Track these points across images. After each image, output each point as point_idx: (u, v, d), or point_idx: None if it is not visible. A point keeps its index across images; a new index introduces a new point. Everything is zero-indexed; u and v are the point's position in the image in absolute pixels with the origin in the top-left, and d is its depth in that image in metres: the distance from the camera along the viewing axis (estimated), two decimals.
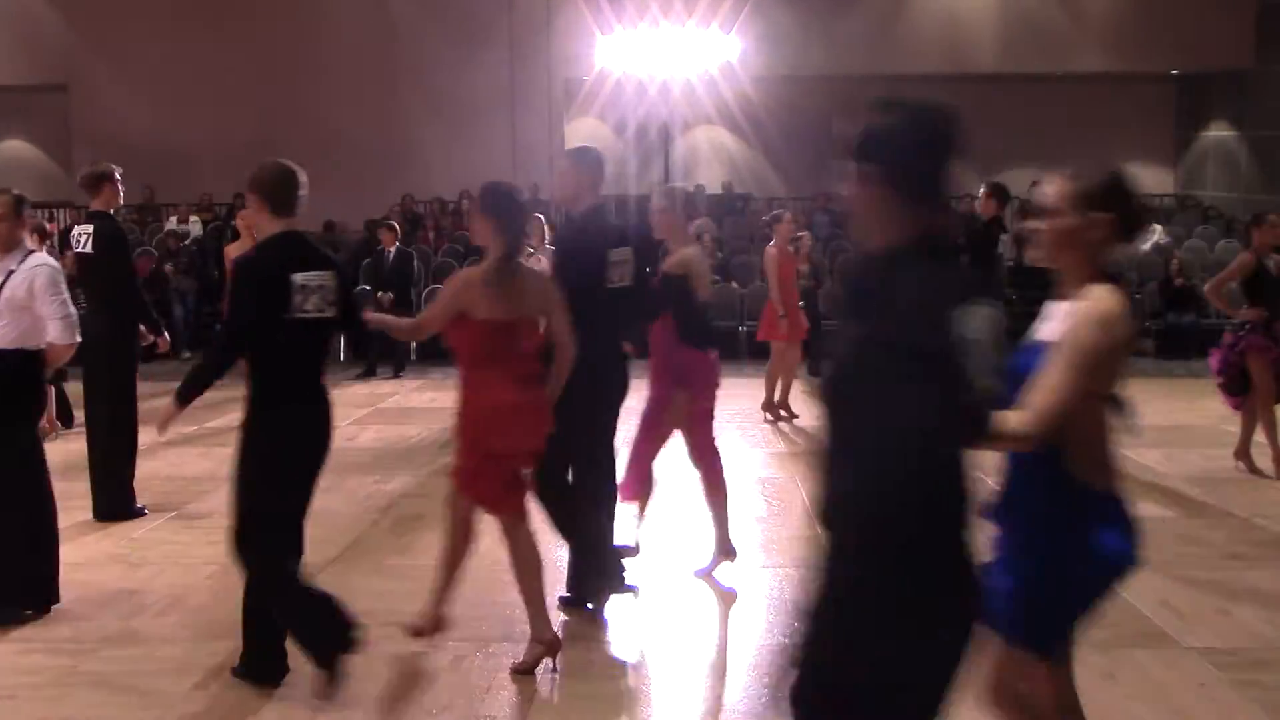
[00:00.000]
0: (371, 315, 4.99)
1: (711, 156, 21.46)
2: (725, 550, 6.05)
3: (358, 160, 17.70)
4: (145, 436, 6.99)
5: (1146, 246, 16.76)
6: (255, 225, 4.64)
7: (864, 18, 18.84)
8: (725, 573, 6.02)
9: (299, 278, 4.28)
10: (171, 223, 17.69)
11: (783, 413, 10.40)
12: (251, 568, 4.44)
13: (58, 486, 5.67)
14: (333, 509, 6.70)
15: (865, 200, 2.34)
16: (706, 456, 5.98)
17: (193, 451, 8.84)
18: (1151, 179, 20.96)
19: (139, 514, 7.10)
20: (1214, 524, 7.01)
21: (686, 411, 5.80)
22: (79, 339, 5.44)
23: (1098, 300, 2.89)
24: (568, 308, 4.76)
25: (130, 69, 18.65)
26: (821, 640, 2.36)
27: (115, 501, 7.04)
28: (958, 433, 2.25)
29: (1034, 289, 10.97)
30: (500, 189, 4.77)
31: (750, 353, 13.54)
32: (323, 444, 4.48)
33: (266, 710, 4.42)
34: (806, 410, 10.76)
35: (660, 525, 7.01)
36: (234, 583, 5.64)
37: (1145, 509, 7.24)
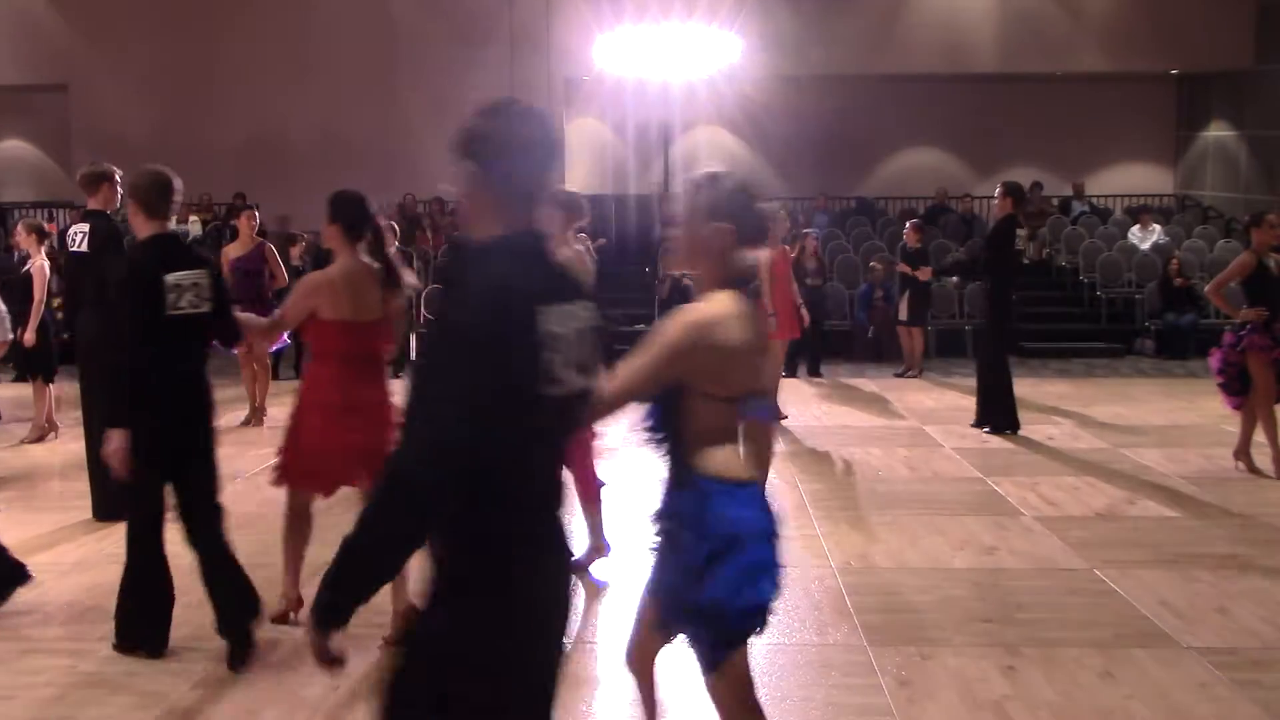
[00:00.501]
0: (239, 315, 5.19)
1: (711, 156, 21.42)
2: (598, 547, 6.15)
3: (356, 160, 17.69)
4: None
5: (1145, 245, 16.78)
6: (134, 226, 4.85)
7: (863, 18, 18.83)
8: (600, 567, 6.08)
9: (172, 277, 4.59)
10: (171, 222, 17.66)
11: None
12: (129, 540, 4.79)
13: (57, 486, 5.67)
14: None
15: (466, 196, 2.43)
16: (582, 463, 5.96)
17: None
18: (1151, 179, 20.96)
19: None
20: (1214, 524, 7.02)
21: None
22: (10, 337, 5.53)
23: (707, 304, 3.03)
24: None
25: (130, 69, 18.64)
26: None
27: (114, 501, 7.03)
28: (528, 421, 2.28)
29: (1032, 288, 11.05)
30: (347, 196, 5.02)
31: None
32: (200, 420, 4.81)
33: (267, 711, 4.42)
34: (797, 410, 10.77)
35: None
36: None
37: (1145, 508, 7.31)
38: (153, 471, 4.66)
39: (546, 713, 2.51)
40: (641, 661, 3.55)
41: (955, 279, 10.37)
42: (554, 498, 2.48)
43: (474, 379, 2.19)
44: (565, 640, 2.56)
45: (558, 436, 2.46)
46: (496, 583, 2.31)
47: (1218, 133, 20.30)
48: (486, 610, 2.31)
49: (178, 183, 4.80)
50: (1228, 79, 19.54)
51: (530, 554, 2.37)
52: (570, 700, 4.53)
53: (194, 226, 17.49)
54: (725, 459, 3.18)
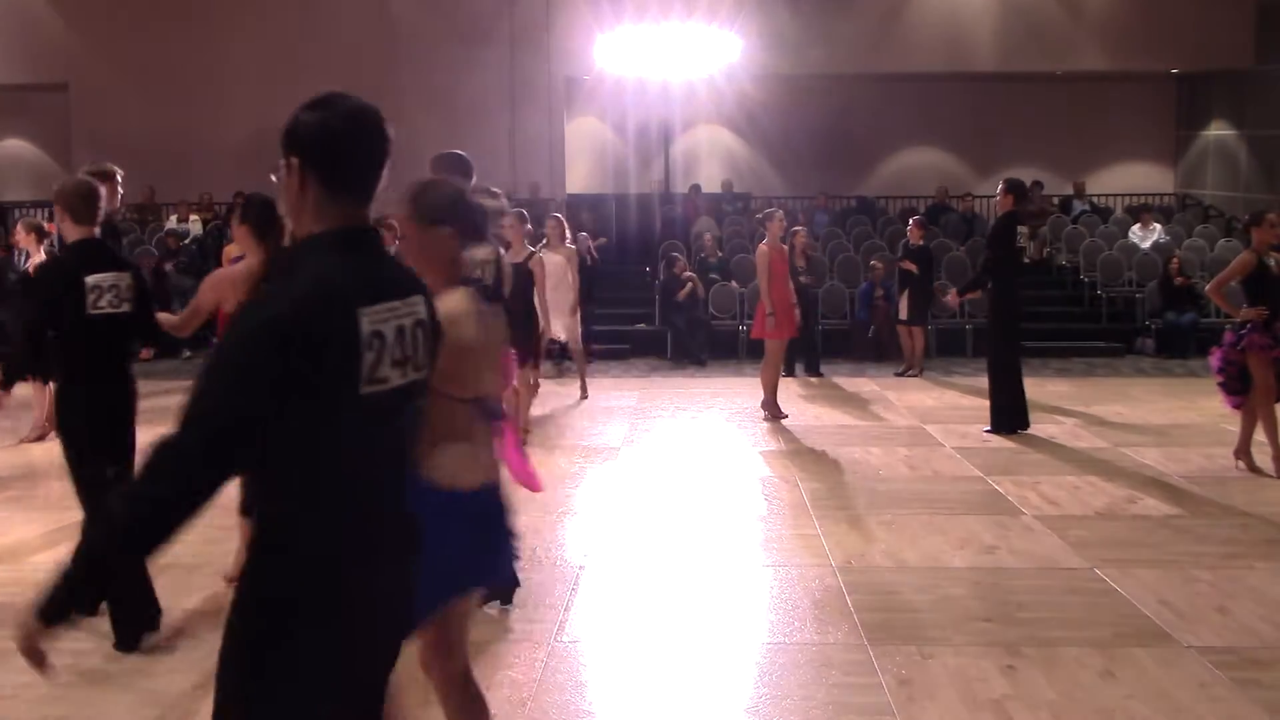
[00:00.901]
0: (160, 315, 5.47)
1: (711, 155, 21.44)
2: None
3: None
4: (140, 435, 6.97)
5: (1146, 244, 16.78)
6: (62, 231, 5.16)
7: (864, 17, 18.81)
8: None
9: (92, 279, 4.90)
10: (171, 222, 17.69)
11: (773, 412, 10.36)
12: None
13: (54, 487, 5.69)
14: None
15: (290, 190, 2.38)
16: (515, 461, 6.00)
17: None
18: (1151, 178, 20.95)
19: None
20: (1214, 522, 7.01)
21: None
22: None
23: (443, 303, 3.01)
24: None
25: (130, 68, 18.63)
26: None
27: None
28: (348, 418, 2.27)
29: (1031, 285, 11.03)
30: (258, 200, 5.39)
31: (749, 352, 13.54)
32: (122, 415, 5.08)
33: None
34: (797, 410, 10.77)
35: (657, 529, 7.03)
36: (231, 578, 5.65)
37: (1146, 507, 7.31)
38: (96, 465, 4.90)
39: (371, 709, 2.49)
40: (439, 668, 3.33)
41: (978, 291, 10.29)
42: (390, 495, 2.44)
43: (269, 368, 2.15)
44: (398, 640, 2.52)
45: (386, 432, 2.41)
46: (319, 590, 2.28)
47: (1218, 132, 20.29)
48: (309, 618, 2.28)
49: (102, 190, 5.14)
50: (1228, 78, 19.53)
51: (360, 553, 2.34)
52: (543, 702, 4.54)
53: (194, 226, 17.50)
54: (449, 464, 3.15)
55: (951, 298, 10.37)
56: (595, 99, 19.46)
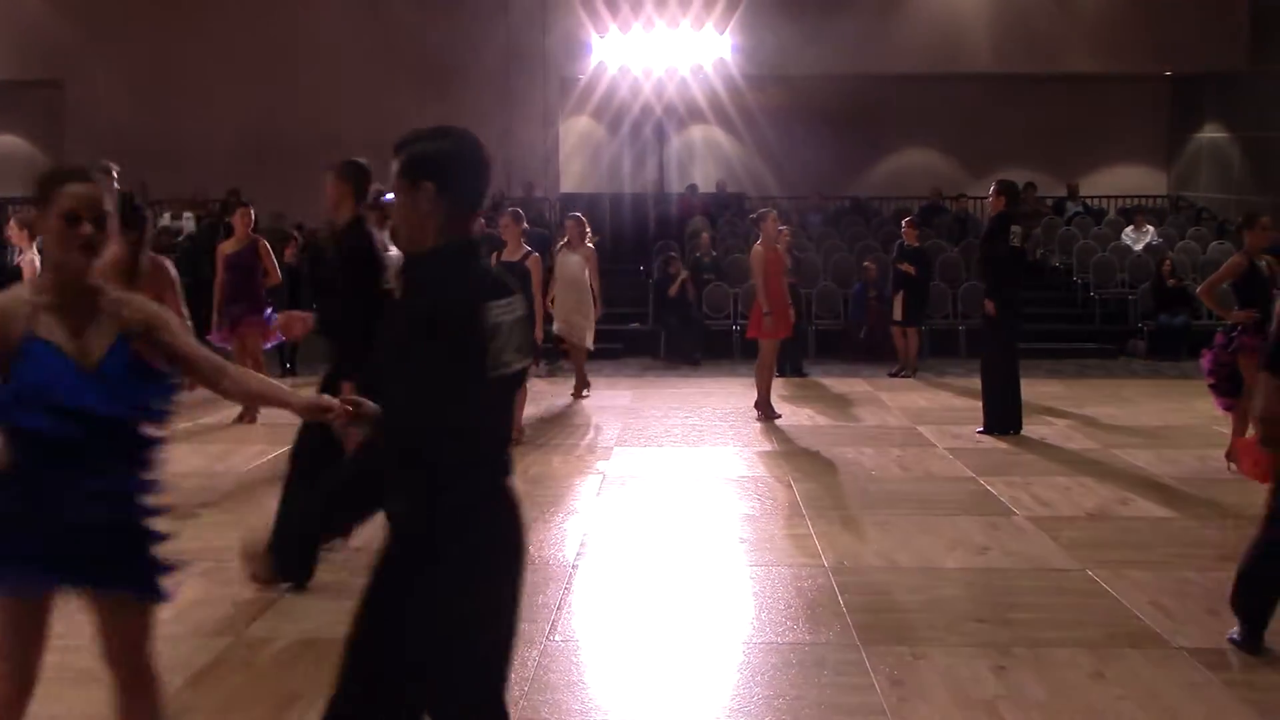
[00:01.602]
0: None
1: (706, 155, 21.47)
2: None
3: (351, 155, 17.68)
4: None
5: (1139, 245, 16.83)
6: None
7: (857, 17, 18.83)
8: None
9: None
10: (165, 219, 17.66)
11: (766, 411, 10.37)
12: None
13: None
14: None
15: (417, 210, 2.73)
16: None
17: (184, 448, 8.83)
18: (1145, 180, 21.01)
19: None
20: (1205, 524, 7.03)
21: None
22: None
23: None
24: (344, 311, 5.31)
25: (124, 65, 18.61)
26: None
27: None
28: (484, 396, 2.71)
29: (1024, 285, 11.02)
30: (128, 200, 5.55)
31: (742, 351, 13.54)
32: None
33: (257, 707, 4.42)
34: (790, 410, 10.78)
35: (650, 529, 7.04)
36: (229, 578, 5.67)
37: (1138, 509, 7.33)
38: None
39: (508, 652, 2.90)
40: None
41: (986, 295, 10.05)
42: (505, 456, 2.86)
43: (440, 363, 2.59)
44: (521, 580, 2.88)
45: (506, 407, 2.89)
46: (464, 531, 2.68)
47: (1211, 134, 20.34)
48: (455, 559, 2.67)
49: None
50: (1221, 80, 19.58)
51: (489, 505, 2.76)
52: (535, 701, 4.54)
53: (188, 223, 17.48)
54: None
55: (990, 307, 10.00)
56: (590, 99, 19.48)
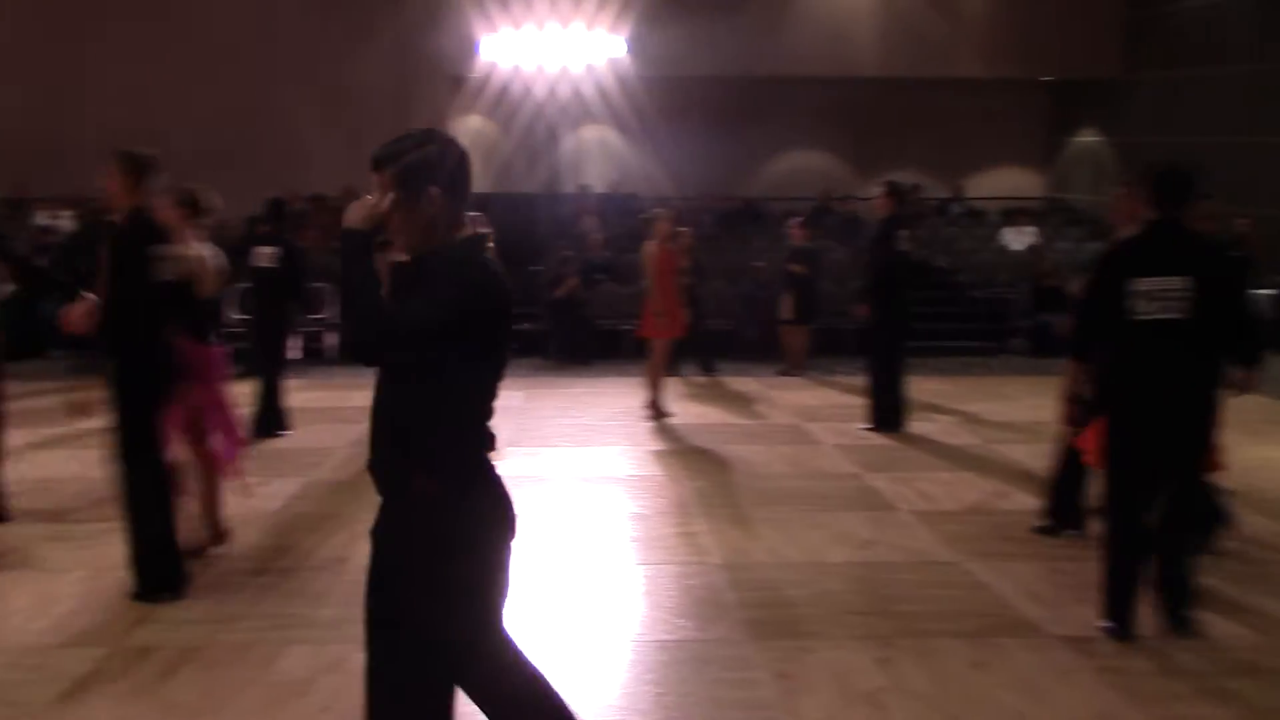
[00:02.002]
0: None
1: (599, 155, 21.48)
2: (218, 535, 6.24)
3: (237, 155, 17.32)
4: (14, 438, 6.78)
5: (1018, 246, 17.29)
6: None
7: (750, 20, 19.03)
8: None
9: None
10: (42, 217, 17.11)
11: (658, 411, 10.43)
12: None
13: None
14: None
15: (423, 215, 2.92)
16: (203, 442, 6.08)
17: (61, 454, 8.59)
18: (1025, 182, 21.60)
19: (6, 518, 6.87)
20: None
21: (191, 401, 5.85)
22: None
23: None
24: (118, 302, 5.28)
25: (2, 61, 17.99)
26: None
27: None
28: (498, 368, 3.05)
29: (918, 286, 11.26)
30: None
31: (635, 351, 13.58)
32: None
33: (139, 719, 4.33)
34: (681, 409, 10.86)
35: (540, 529, 7.03)
36: (105, 587, 5.54)
37: (1016, 502, 7.53)
38: None
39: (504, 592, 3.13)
40: None
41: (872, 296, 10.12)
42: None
43: (476, 345, 2.92)
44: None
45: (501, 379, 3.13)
46: (477, 477, 3.01)
47: (1087, 139, 21.01)
48: (472, 500, 2.98)
49: None
50: (1098, 87, 20.24)
51: (493, 472, 3.07)
52: None
53: (65, 222, 16.96)
54: None
55: (861, 311, 10.23)
56: (482, 97, 19.38)
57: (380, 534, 3.06)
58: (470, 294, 2.89)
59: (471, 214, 3.07)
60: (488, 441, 3.05)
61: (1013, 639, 5.17)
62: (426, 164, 2.91)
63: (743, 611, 5.47)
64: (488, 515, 3.03)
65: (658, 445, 9.37)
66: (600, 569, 6.15)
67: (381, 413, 3.02)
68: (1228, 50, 17.48)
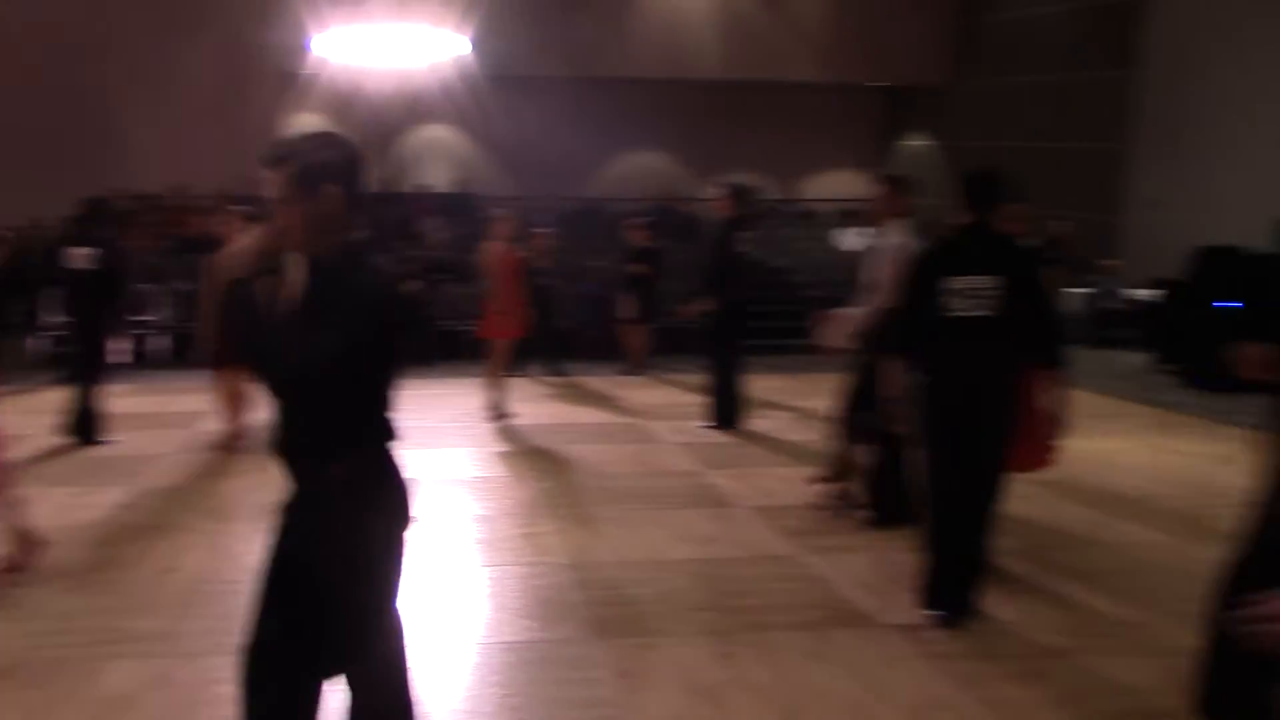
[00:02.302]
0: None
1: (441, 155, 21.27)
2: (28, 548, 5.77)
3: (56, 152, 16.60)
4: None
5: (850, 247, 17.75)
6: None
7: (591, 22, 19.10)
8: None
9: None
10: None
11: (500, 412, 10.39)
12: None
13: None
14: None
15: (323, 215, 2.94)
16: None
17: None
18: (859, 184, 22.18)
19: None
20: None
21: None
22: None
23: None
24: None
25: None
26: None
27: None
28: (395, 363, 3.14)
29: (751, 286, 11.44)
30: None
31: (478, 352, 13.47)
32: None
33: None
34: (525, 409, 10.84)
35: None
36: None
37: (851, 495, 7.68)
38: None
39: None
40: None
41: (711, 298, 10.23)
42: None
43: (388, 341, 3.01)
44: None
45: None
46: (385, 465, 3.18)
47: (917, 143, 21.71)
48: (383, 487, 3.17)
49: None
50: (928, 93, 20.94)
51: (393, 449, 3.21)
52: None
53: None
54: None
55: (688, 310, 10.41)
56: (316, 95, 18.98)
57: (295, 527, 3.14)
58: (375, 305, 2.95)
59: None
60: (393, 431, 3.17)
61: (848, 629, 5.30)
62: (325, 163, 2.94)
63: (587, 610, 5.49)
64: (392, 502, 3.16)
65: (501, 446, 9.32)
66: (445, 571, 6.09)
67: (293, 405, 3.07)
68: (1045, 60, 18.30)
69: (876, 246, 7.00)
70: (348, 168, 2.99)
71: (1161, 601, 5.70)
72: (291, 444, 3.11)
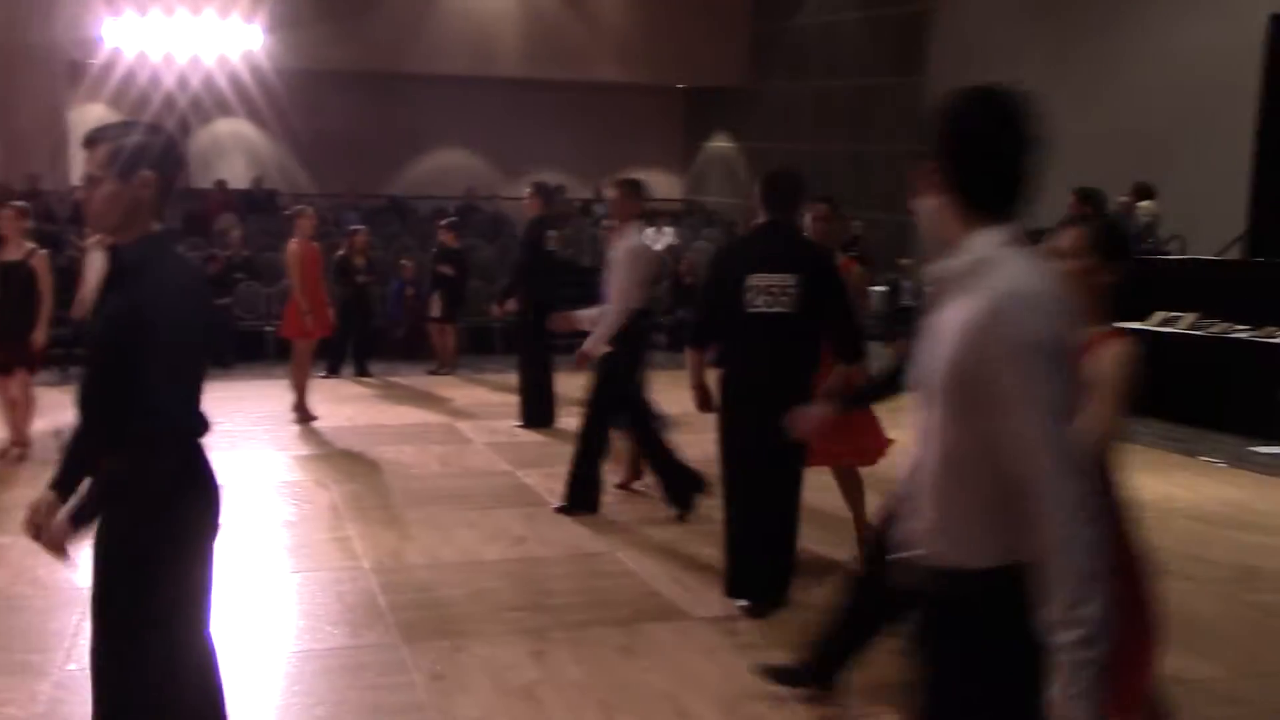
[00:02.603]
0: None
1: (235, 150, 20.61)
2: None
3: None
4: None
5: (659, 246, 17.99)
6: None
7: (391, 16, 18.81)
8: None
9: None
10: None
11: (305, 413, 10.14)
12: None
13: None
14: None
15: (134, 200, 2.90)
16: None
17: None
18: (664, 184, 22.49)
19: None
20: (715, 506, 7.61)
21: None
22: None
23: None
24: None
25: None
26: None
27: None
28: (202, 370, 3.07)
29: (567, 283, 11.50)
30: None
31: (277, 353, 13.11)
32: None
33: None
34: (329, 411, 10.61)
35: None
36: None
37: (659, 489, 7.78)
38: None
39: None
40: None
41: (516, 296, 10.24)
42: None
43: (185, 338, 2.87)
44: None
45: None
46: (181, 483, 3.06)
47: (720, 144, 22.14)
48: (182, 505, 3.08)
49: None
50: (728, 95, 21.38)
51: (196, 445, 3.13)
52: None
53: None
54: None
55: (499, 309, 10.42)
56: (106, 86, 18.10)
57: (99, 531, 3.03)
58: (148, 299, 2.83)
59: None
60: (198, 426, 3.05)
61: (660, 623, 5.37)
62: (146, 149, 2.91)
63: (396, 615, 5.40)
64: (190, 500, 3.08)
65: (306, 449, 9.09)
66: (250, 578, 5.89)
67: (80, 398, 3.01)
68: (840, 65, 18.92)
69: (614, 249, 7.17)
70: (165, 155, 2.96)
71: None
72: (78, 439, 3.07)
